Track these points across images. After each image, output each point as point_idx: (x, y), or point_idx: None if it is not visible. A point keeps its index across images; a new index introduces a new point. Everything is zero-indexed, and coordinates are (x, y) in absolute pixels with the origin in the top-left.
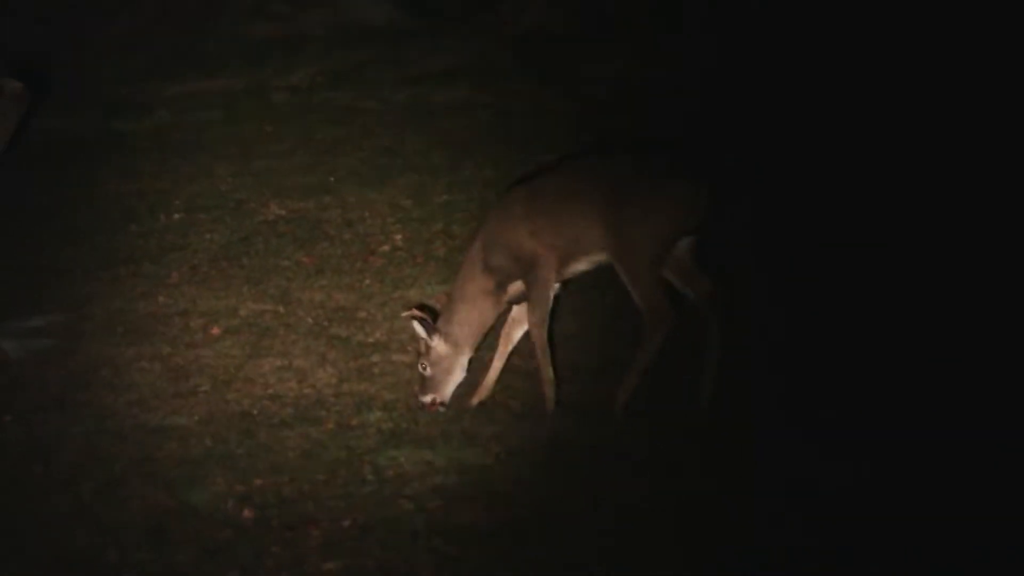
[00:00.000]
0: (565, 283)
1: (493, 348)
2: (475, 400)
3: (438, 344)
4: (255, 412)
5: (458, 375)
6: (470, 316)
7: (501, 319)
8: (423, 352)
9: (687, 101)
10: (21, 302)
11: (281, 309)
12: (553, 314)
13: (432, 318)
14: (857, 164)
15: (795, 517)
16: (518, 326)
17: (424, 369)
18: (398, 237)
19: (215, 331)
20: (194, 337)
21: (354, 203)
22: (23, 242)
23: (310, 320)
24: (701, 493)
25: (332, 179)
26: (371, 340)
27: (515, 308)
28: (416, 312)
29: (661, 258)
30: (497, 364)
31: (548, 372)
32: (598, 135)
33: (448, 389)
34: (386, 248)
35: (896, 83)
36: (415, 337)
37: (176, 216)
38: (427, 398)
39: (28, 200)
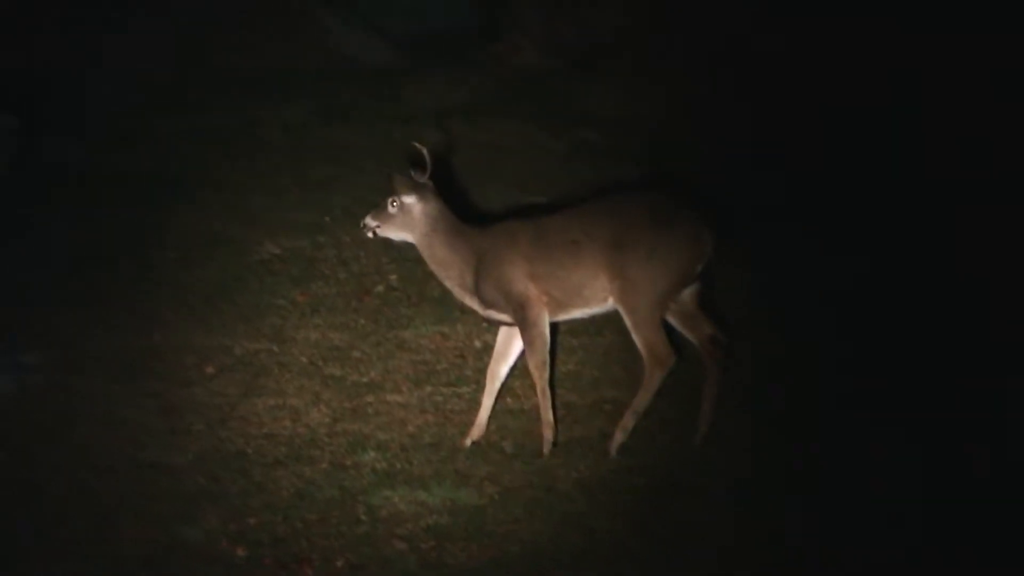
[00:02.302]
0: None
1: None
2: (468, 440)
3: (417, 204)
4: (249, 451)
5: (406, 237)
6: (443, 250)
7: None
8: (401, 189)
9: (683, 142)
10: (12, 336)
11: (275, 348)
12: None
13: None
14: (859, 204)
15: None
16: (503, 362)
17: (392, 205)
18: (393, 277)
19: (209, 369)
20: (188, 375)
21: (349, 242)
22: (14, 275)
23: (304, 359)
24: (695, 532)
25: (327, 218)
26: (365, 380)
27: (499, 343)
28: (426, 153)
29: (665, 302)
30: (487, 402)
31: (548, 415)
32: (594, 175)
33: (391, 235)
34: (381, 288)
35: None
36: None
37: (170, 252)
38: (372, 222)
39: (20, 233)
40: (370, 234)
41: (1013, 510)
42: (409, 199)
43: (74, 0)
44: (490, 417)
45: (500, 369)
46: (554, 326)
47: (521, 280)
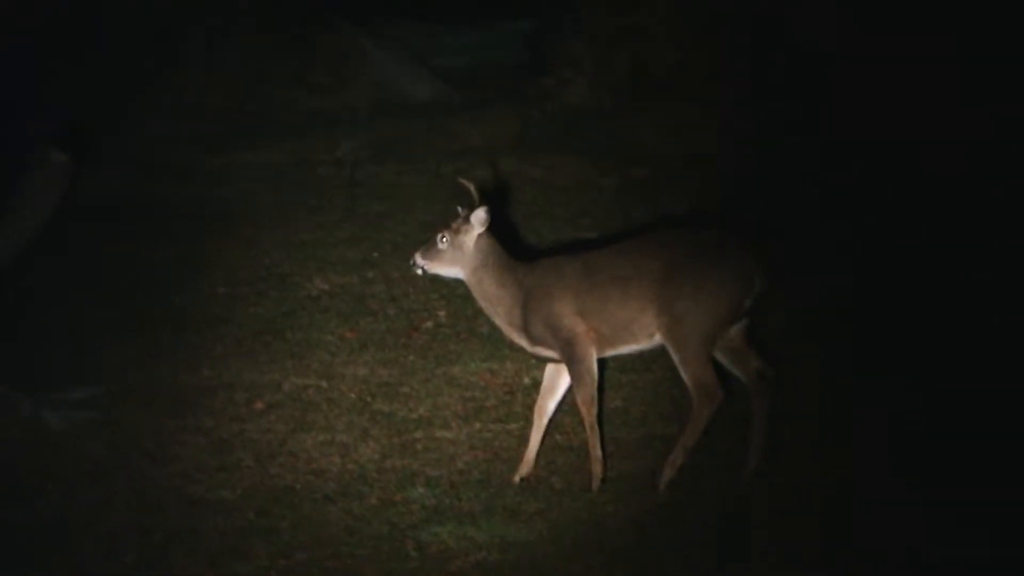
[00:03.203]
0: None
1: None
2: (517, 476)
3: (470, 242)
4: (298, 486)
5: (455, 273)
6: (493, 286)
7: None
8: (454, 226)
9: (734, 177)
10: (63, 370)
11: (324, 384)
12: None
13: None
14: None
15: None
16: (551, 397)
17: (442, 240)
18: (442, 313)
19: (259, 405)
20: (238, 410)
21: (398, 278)
22: (65, 308)
23: (353, 395)
24: (745, 568)
25: (376, 254)
26: (414, 416)
27: (547, 378)
28: (472, 188)
29: (714, 338)
30: (535, 437)
31: (597, 451)
32: (645, 211)
33: (440, 270)
34: (430, 324)
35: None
36: (461, 208)
37: (220, 288)
38: (421, 260)
39: (70, 266)
40: (419, 271)
41: None
42: (466, 239)
43: (127, 36)
44: (539, 453)
45: (548, 405)
46: (602, 362)
47: (569, 316)
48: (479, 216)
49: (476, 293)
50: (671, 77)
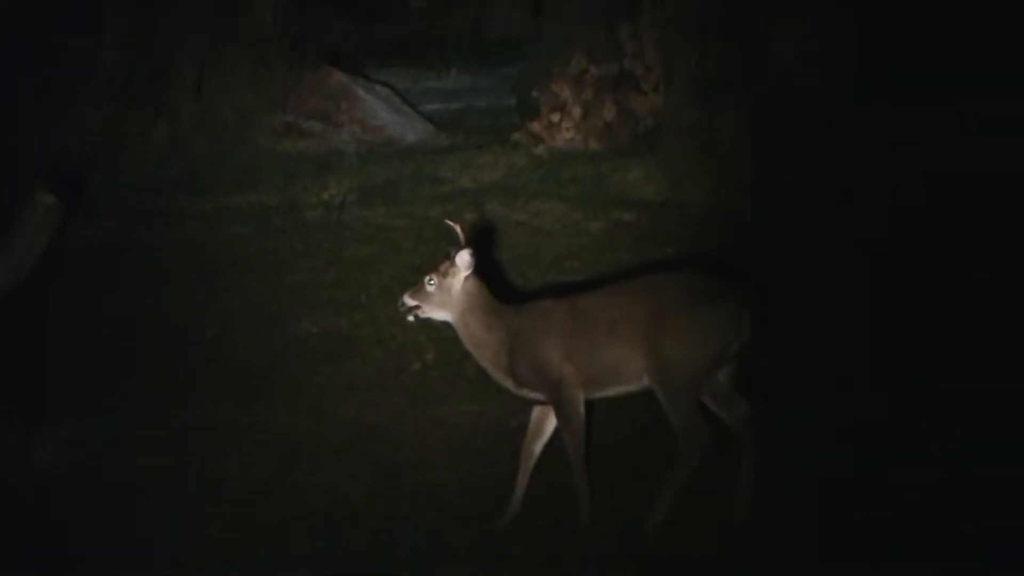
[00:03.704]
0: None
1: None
2: (505, 519)
3: (458, 284)
4: (286, 528)
5: (443, 316)
6: (479, 329)
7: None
8: (441, 268)
9: (722, 223)
10: (52, 410)
11: (312, 425)
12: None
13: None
14: (909, 291)
15: None
16: (538, 439)
17: (430, 283)
18: (429, 355)
19: (246, 446)
20: (225, 451)
21: (385, 320)
22: (55, 349)
23: (341, 436)
24: None
25: (364, 296)
26: (402, 458)
27: (534, 421)
28: (459, 230)
29: (701, 382)
30: (522, 480)
31: (585, 492)
32: (632, 256)
33: (429, 313)
34: (417, 367)
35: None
36: (450, 249)
37: (208, 330)
38: (411, 301)
39: (59, 308)
40: (411, 317)
41: None
42: (454, 283)
43: (111, 79)
44: (526, 495)
45: (535, 447)
46: (589, 404)
47: (556, 359)
48: (464, 258)
49: (463, 336)
50: (658, 123)
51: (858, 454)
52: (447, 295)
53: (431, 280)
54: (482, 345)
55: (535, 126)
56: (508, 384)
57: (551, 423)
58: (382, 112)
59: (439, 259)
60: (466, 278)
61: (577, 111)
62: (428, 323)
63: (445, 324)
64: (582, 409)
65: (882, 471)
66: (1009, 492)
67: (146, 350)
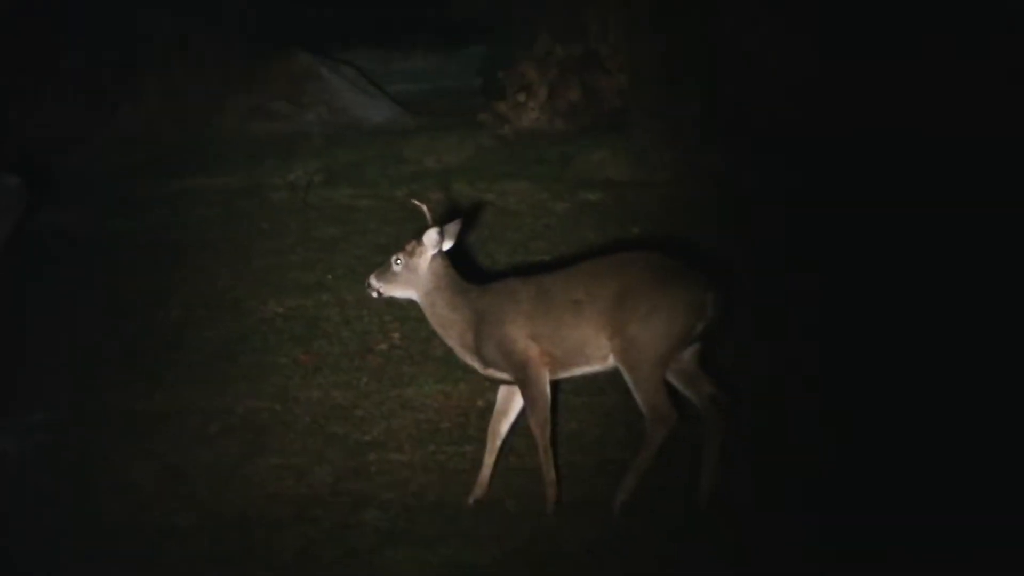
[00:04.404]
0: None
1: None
2: (471, 499)
3: (424, 264)
4: (252, 511)
5: (409, 295)
6: (445, 309)
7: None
8: (408, 248)
9: (687, 203)
10: (19, 397)
11: (278, 407)
12: (552, 412)
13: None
14: (872, 266)
15: None
16: (504, 420)
17: (396, 263)
18: (396, 335)
19: (212, 429)
20: (191, 435)
21: (352, 301)
22: (20, 337)
23: (307, 418)
24: None
25: (330, 277)
26: (368, 439)
27: (500, 401)
28: (426, 210)
29: (666, 362)
30: (488, 461)
31: (551, 473)
32: (598, 236)
33: (395, 292)
34: (384, 347)
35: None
36: (418, 231)
37: (173, 312)
38: (376, 282)
39: (25, 295)
40: (375, 294)
41: None
42: (420, 260)
43: (78, 65)
44: (493, 476)
45: (501, 427)
46: (555, 384)
47: (522, 339)
48: (430, 237)
49: (429, 315)
50: (624, 105)
51: (833, 435)
52: (413, 275)
53: (397, 260)
54: (448, 325)
55: (501, 107)
56: (475, 364)
57: (517, 403)
58: (348, 93)
59: (407, 239)
60: (432, 258)
61: (543, 92)
62: (394, 303)
63: (411, 304)
64: (548, 390)
65: (856, 451)
66: (996, 482)
67: (111, 334)
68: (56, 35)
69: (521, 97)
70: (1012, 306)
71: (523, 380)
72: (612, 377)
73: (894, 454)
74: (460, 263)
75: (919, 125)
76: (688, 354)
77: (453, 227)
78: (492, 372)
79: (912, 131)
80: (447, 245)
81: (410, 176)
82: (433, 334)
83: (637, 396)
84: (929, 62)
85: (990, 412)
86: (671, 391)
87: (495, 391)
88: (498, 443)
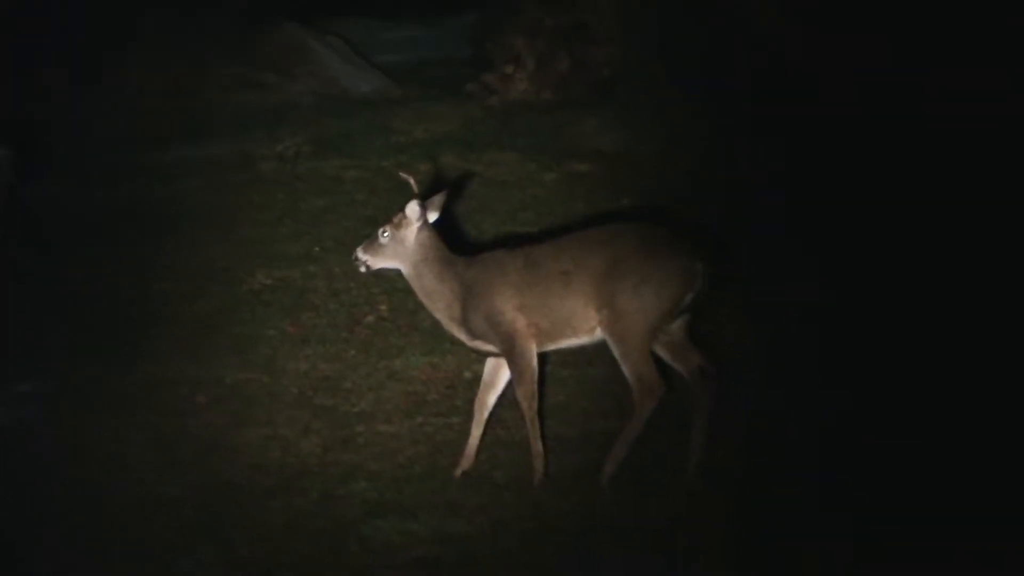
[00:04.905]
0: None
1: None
2: (459, 471)
3: (411, 236)
4: (240, 481)
5: (396, 266)
6: (432, 281)
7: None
8: (395, 220)
9: (676, 175)
10: (7, 368)
11: (266, 378)
12: (539, 384)
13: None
14: (860, 237)
15: None
16: (491, 391)
17: (384, 235)
18: (383, 307)
19: (200, 400)
20: (180, 406)
21: (340, 273)
22: (7, 308)
23: (295, 390)
24: (685, 563)
25: (318, 248)
26: (356, 410)
27: (487, 373)
28: (412, 182)
29: (654, 333)
30: (476, 432)
31: (537, 445)
32: (586, 207)
33: (383, 264)
34: (371, 318)
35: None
36: (405, 203)
37: (162, 284)
38: (363, 255)
39: (12, 266)
40: (363, 268)
41: None
42: (407, 232)
43: (68, 35)
44: (480, 448)
45: (488, 399)
46: (542, 356)
47: (509, 311)
48: (413, 208)
49: (417, 287)
50: (614, 75)
51: (824, 410)
52: (400, 247)
53: (384, 232)
54: (435, 296)
55: (489, 78)
56: (462, 336)
57: (505, 376)
58: (336, 64)
59: (394, 211)
60: (419, 230)
61: (531, 63)
62: (382, 275)
63: (399, 276)
64: (535, 361)
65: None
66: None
67: (98, 305)
68: (42, 6)
69: (509, 68)
70: (1008, 286)
71: (510, 352)
72: (600, 349)
73: (887, 431)
74: (448, 235)
75: (915, 104)
76: (677, 325)
77: (440, 199)
78: (479, 344)
79: (908, 110)
80: (434, 217)
81: (398, 147)
82: (420, 306)
83: (625, 368)
84: (926, 43)
85: (983, 385)
86: (659, 363)
87: (482, 363)
88: (485, 415)
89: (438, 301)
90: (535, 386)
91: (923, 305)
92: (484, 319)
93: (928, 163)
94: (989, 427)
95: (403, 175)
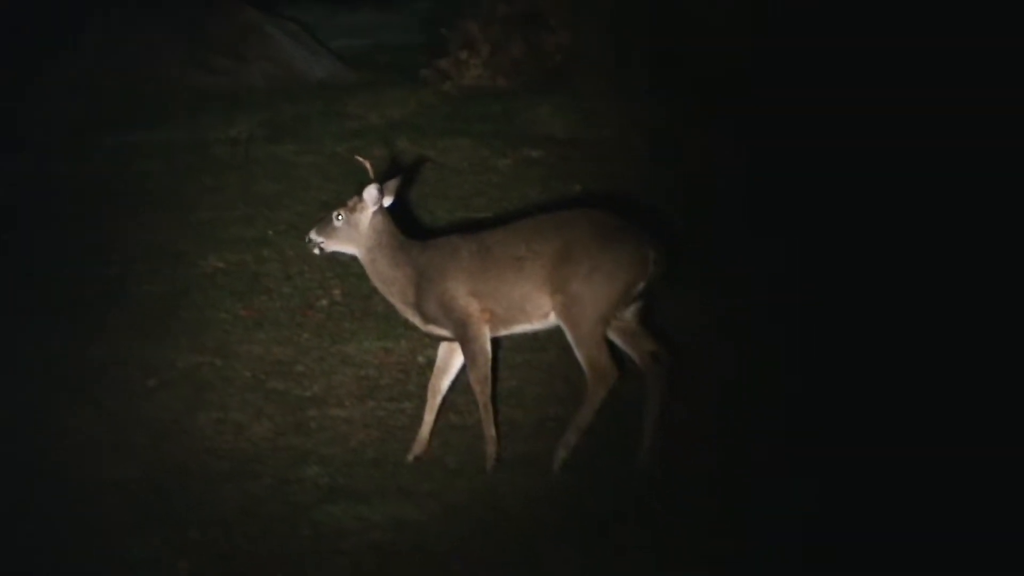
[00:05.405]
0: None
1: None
2: (411, 456)
3: (365, 220)
4: (192, 466)
5: (350, 251)
6: (386, 266)
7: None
8: (349, 204)
9: (630, 162)
10: None
11: (218, 362)
12: (492, 370)
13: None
14: (819, 222)
15: None
16: (444, 376)
17: (338, 219)
18: (336, 292)
19: (152, 383)
20: (131, 388)
21: (293, 257)
22: None
23: (247, 373)
24: (637, 550)
25: (271, 232)
26: (308, 394)
27: (440, 358)
28: (368, 166)
29: (608, 319)
30: (428, 417)
31: (491, 430)
32: (540, 193)
33: (336, 247)
34: (324, 302)
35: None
36: (360, 188)
37: (114, 266)
38: (317, 236)
39: None
40: (316, 250)
41: None
42: (362, 216)
43: (22, 14)
44: (433, 433)
45: (441, 384)
46: (496, 341)
47: (463, 296)
48: (371, 193)
49: (370, 272)
50: (568, 62)
51: (784, 396)
52: (354, 231)
53: (339, 215)
54: (389, 281)
55: (444, 63)
56: (416, 320)
57: (458, 360)
58: (291, 48)
59: (348, 195)
60: (373, 214)
61: (486, 48)
62: (336, 259)
63: (353, 260)
64: (488, 346)
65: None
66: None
67: (50, 285)
68: None
69: (464, 54)
70: (985, 263)
71: (464, 337)
72: (553, 334)
73: (852, 420)
74: (401, 220)
75: (873, 91)
76: (630, 312)
77: (394, 183)
78: (433, 328)
79: (865, 96)
80: (388, 201)
81: (352, 132)
82: (374, 291)
83: (578, 353)
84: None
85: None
86: (612, 349)
87: (436, 348)
88: (438, 400)
89: (392, 286)
90: (488, 371)
91: (881, 285)
92: (437, 304)
93: (882, 147)
94: (956, 415)
95: (359, 159)
